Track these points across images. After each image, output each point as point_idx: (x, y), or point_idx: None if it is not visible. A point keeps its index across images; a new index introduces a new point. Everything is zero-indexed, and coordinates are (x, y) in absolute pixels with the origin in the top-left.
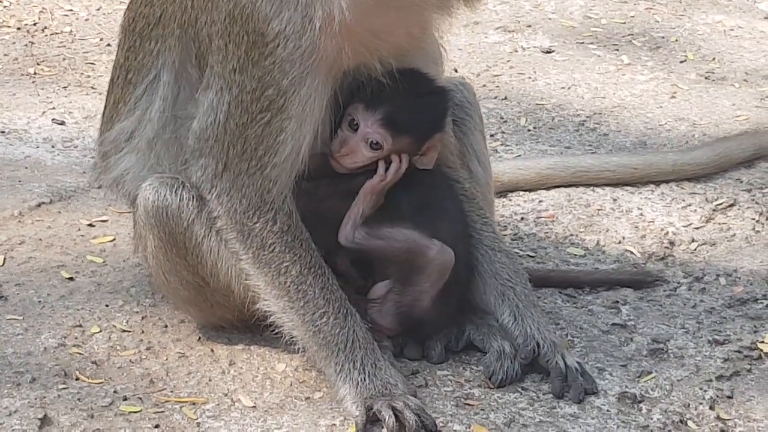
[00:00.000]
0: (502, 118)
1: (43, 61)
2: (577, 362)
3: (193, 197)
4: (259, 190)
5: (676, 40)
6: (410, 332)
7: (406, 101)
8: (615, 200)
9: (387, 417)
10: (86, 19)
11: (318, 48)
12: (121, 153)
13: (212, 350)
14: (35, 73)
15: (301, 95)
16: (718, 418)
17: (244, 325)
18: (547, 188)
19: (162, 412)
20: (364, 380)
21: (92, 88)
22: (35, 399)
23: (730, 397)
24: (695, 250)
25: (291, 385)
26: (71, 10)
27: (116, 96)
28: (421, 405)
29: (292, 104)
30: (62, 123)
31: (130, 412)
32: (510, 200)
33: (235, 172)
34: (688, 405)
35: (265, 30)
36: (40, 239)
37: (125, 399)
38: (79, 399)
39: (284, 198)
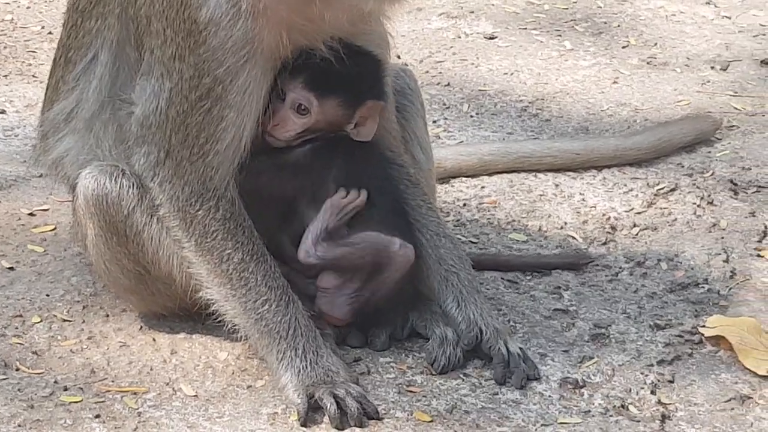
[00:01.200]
0: (444, 104)
1: None
2: (520, 348)
3: (133, 185)
4: (201, 177)
5: (619, 26)
6: (356, 321)
7: (331, 64)
8: (557, 186)
9: (329, 404)
10: (27, 7)
11: (252, 38)
12: (60, 134)
13: (154, 339)
14: None
15: (239, 84)
16: (659, 402)
17: (186, 314)
18: (490, 174)
19: (103, 402)
20: (306, 368)
21: (33, 76)
22: None
23: (671, 382)
24: (637, 235)
25: (233, 373)
26: None
27: (57, 75)
28: (363, 392)
29: (230, 93)
30: (2, 112)
31: (70, 402)
32: (452, 186)
33: (177, 160)
34: (630, 390)
35: (197, 17)
36: None
37: (66, 389)
38: (19, 389)
39: (226, 185)
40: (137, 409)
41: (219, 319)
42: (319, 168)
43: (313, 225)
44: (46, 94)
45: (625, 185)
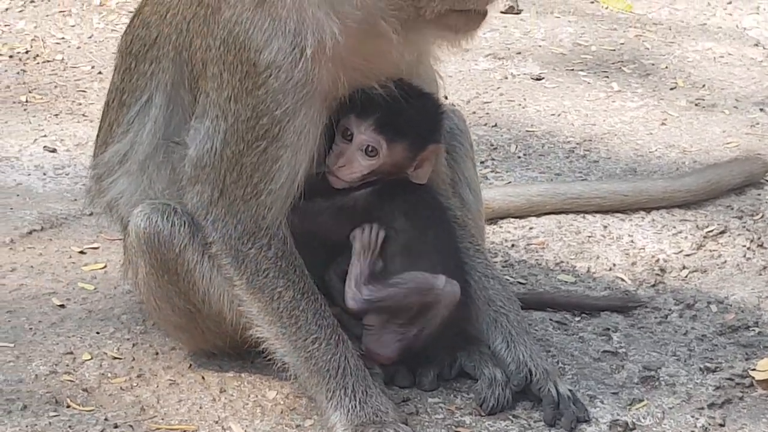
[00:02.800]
0: (492, 145)
1: (35, 88)
2: (569, 390)
3: (185, 223)
4: (254, 216)
5: (666, 67)
6: (404, 360)
7: (398, 106)
8: (605, 227)
9: None
10: (78, 47)
11: (312, 78)
12: (114, 176)
13: (203, 377)
14: (27, 101)
15: (296, 125)
16: None
17: (235, 352)
18: (538, 215)
19: None
20: (355, 407)
21: (83, 115)
22: (26, 427)
23: (722, 425)
24: (686, 277)
25: (282, 412)
26: (63, 38)
27: (111, 118)
28: None
29: (286, 133)
30: (53, 150)
31: None
32: (500, 227)
33: (231, 199)
34: None
35: (257, 60)
36: (32, 266)
37: (116, 427)
38: (70, 427)
39: (279, 224)
40: None
41: (268, 357)
42: (377, 211)
43: (351, 270)
44: (98, 136)
45: (675, 227)
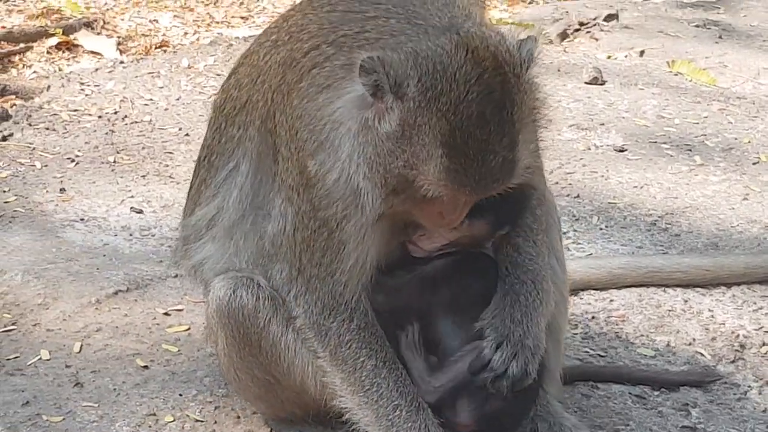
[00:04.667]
0: (574, 216)
1: (122, 149)
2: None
3: (268, 297)
4: (332, 292)
5: (749, 142)
6: (486, 428)
7: None
8: (686, 301)
9: None
10: (165, 109)
11: (357, 203)
12: (200, 240)
13: None
14: (115, 162)
15: (353, 223)
16: None
17: (314, 421)
18: (618, 288)
19: None
20: None
21: (170, 177)
22: None
23: None
24: (766, 353)
25: None
26: (151, 99)
27: (200, 177)
28: None
29: (346, 227)
30: (140, 212)
31: None
32: (581, 299)
33: (308, 277)
34: None
35: (307, 163)
36: (117, 327)
37: None
38: None
39: (358, 298)
40: None
41: (351, 427)
42: (458, 280)
43: (413, 372)
44: (189, 193)
45: (755, 303)
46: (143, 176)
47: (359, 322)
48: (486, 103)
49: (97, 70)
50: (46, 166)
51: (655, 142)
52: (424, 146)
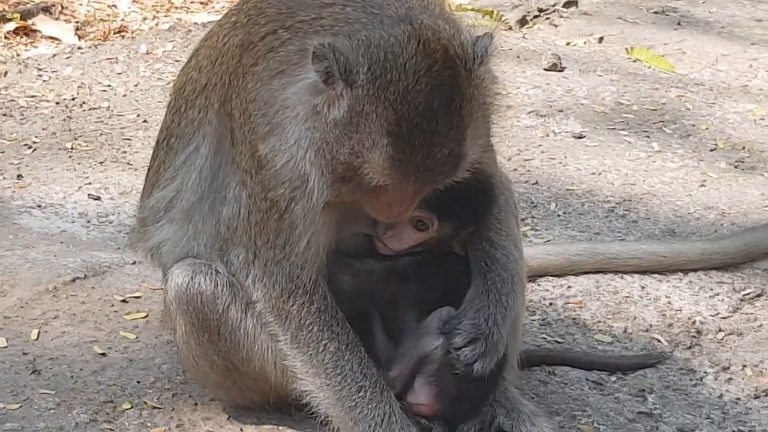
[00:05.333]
0: (532, 202)
1: (80, 136)
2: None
3: (226, 283)
4: (288, 275)
5: (707, 128)
6: (446, 411)
7: (452, 184)
8: (643, 288)
9: None
10: (124, 95)
11: (306, 184)
12: (159, 222)
13: (241, 429)
14: (72, 148)
15: (302, 205)
16: None
17: (273, 406)
18: (576, 274)
19: None
20: None
21: (128, 164)
22: None
23: None
24: (722, 339)
25: None
26: (109, 85)
27: (160, 158)
28: None
29: (294, 210)
30: (98, 198)
31: None
32: (539, 285)
33: (264, 261)
34: None
35: (258, 147)
36: (74, 314)
37: None
38: None
39: (315, 280)
40: None
41: (309, 411)
42: (425, 277)
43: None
44: (147, 175)
45: (711, 289)
46: (101, 163)
47: (319, 305)
48: (434, 95)
49: (54, 55)
50: (2, 152)
51: (614, 128)
52: (371, 134)
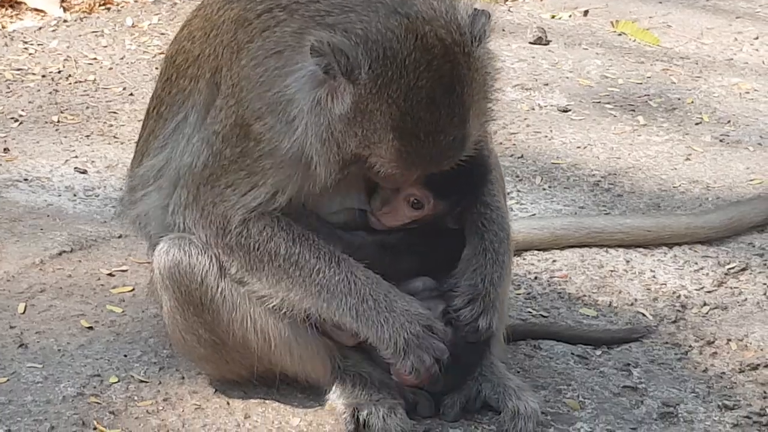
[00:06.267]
0: (517, 176)
1: (66, 109)
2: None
3: (201, 252)
4: (223, 215)
5: (692, 102)
6: (433, 383)
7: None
8: (628, 262)
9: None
10: (110, 68)
11: (298, 161)
12: (146, 189)
13: (228, 403)
14: (59, 121)
15: (277, 180)
16: None
17: (260, 381)
18: (561, 248)
19: None
20: (389, 320)
21: (114, 137)
22: None
23: None
24: (707, 313)
25: None
26: (95, 58)
27: (149, 128)
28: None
29: (267, 180)
30: (84, 172)
31: None
32: (524, 259)
33: (202, 204)
34: None
35: (251, 124)
36: (61, 288)
37: None
38: None
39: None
40: None
41: (294, 384)
42: (418, 251)
43: None
44: (137, 144)
45: (696, 263)
46: (87, 136)
47: (259, 228)
48: (435, 88)
49: (40, 28)
50: None
51: (599, 102)
52: (376, 131)
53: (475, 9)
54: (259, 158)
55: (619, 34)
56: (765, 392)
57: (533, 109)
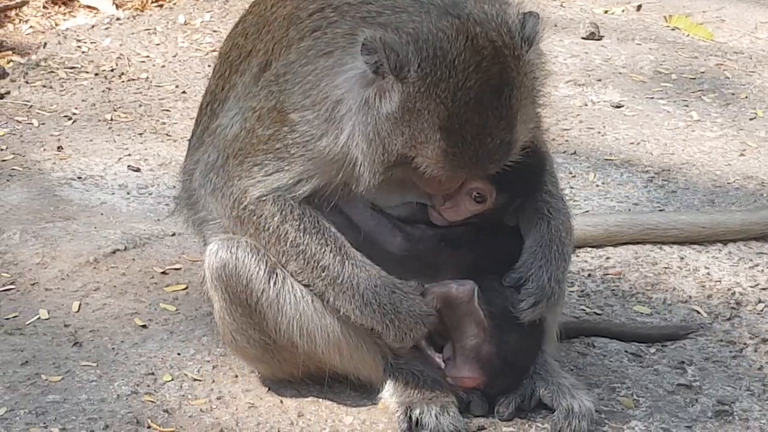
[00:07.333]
0: (571, 172)
1: (119, 107)
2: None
3: (248, 255)
4: (243, 188)
5: (746, 97)
6: (488, 384)
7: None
8: (682, 259)
9: None
10: (162, 66)
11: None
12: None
13: (281, 401)
14: (112, 119)
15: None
16: None
17: (312, 380)
18: (615, 245)
19: None
20: (393, 321)
21: (167, 135)
22: None
23: None
24: (762, 311)
25: None
26: (148, 56)
27: (203, 124)
28: None
29: (295, 166)
30: (138, 170)
31: None
32: (578, 256)
33: (228, 174)
34: None
35: (288, 113)
36: (115, 286)
37: None
38: None
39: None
40: None
41: (346, 384)
42: (478, 247)
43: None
44: (191, 141)
45: (751, 260)
46: (140, 134)
47: (270, 208)
48: (484, 90)
49: (93, 26)
50: (43, 124)
51: (652, 97)
52: (423, 130)
53: (526, 12)
54: (290, 145)
55: (673, 29)
56: None
57: (586, 105)
